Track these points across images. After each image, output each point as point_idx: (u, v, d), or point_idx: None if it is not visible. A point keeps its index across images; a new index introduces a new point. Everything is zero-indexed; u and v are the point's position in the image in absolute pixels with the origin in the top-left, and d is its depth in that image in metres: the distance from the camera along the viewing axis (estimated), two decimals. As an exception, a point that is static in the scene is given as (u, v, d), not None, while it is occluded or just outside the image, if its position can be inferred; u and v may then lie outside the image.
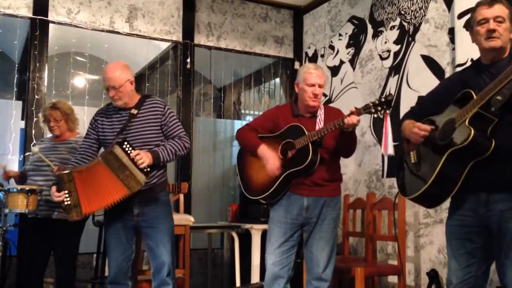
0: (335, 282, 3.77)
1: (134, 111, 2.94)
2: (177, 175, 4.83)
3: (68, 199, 2.77)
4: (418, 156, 2.29)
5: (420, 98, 3.68)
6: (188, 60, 4.93)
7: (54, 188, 2.81)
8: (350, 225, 4.05)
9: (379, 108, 2.62)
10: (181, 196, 4.45)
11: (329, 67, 5.02)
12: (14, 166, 4.54)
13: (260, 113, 5.93)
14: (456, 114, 2.14)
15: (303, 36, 5.47)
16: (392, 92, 4.17)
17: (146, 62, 5.37)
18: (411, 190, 2.28)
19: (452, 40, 3.66)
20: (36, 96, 4.30)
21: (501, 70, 2.03)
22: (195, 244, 4.99)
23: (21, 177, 3.60)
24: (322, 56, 5.16)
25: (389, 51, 4.28)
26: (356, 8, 4.73)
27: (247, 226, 4.27)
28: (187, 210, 4.63)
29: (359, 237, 4.16)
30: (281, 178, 2.85)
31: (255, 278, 4.11)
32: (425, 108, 2.42)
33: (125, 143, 2.81)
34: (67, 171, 2.80)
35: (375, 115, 2.68)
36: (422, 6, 3.99)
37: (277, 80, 5.74)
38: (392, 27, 4.27)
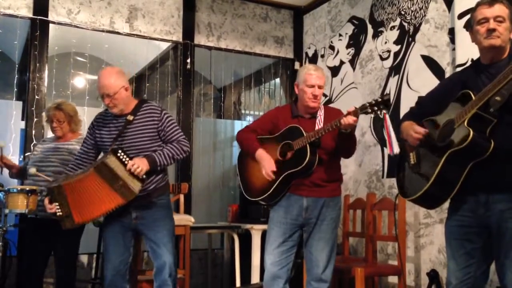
0: (335, 282, 3.77)
1: (130, 117, 2.91)
2: (177, 175, 4.83)
3: (59, 210, 2.81)
4: (417, 157, 2.29)
5: (420, 98, 3.68)
6: (188, 60, 4.93)
7: (46, 200, 2.86)
8: (350, 225, 4.05)
9: (376, 108, 2.61)
10: (181, 197, 4.45)
11: (329, 68, 5.02)
12: (14, 167, 4.55)
13: (260, 113, 5.96)
14: (456, 113, 2.14)
15: (303, 36, 5.47)
16: (392, 92, 4.17)
17: (146, 62, 5.37)
18: (411, 191, 2.28)
19: (452, 40, 3.66)
20: (36, 97, 4.30)
21: (500, 70, 2.03)
22: (195, 244, 4.99)
23: (18, 172, 3.59)
24: (322, 56, 5.16)
25: (389, 51, 4.28)
26: (356, 8, 4.73)
27: (247, 226, 4.27)
28: (187, 211, 4.63)
29: (359, 237, 4.15)
30: (279, 180, 2.86)
31: (255, 278, 4.11)
32: (425, 108, 2.42)
33: (120, 151, 2.79)
34: (56, 184, 2.83)
35: (372, 115, 2.68)
36: (422, 6, 3.99)
37: (277, 80, 5.74)
38: (392, 27, 4.27)
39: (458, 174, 2.10)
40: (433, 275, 3.47)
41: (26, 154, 4.19)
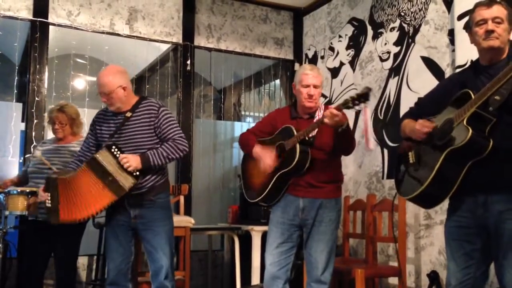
0: (335, 284, 3.77)
1: (129, 114, 2.92)
2: (178, 176, 4.84)
3: (49, 202, 2.84)
4: (416, 156, 2.28)
5: (419, 99, 3.68)
6: (188, 62, 4.94)
7: (42, 187, 2.92)
8: (350, 226, 4.05)
9: (357, 102, 2.59)
10: (181, 198, 4.45)
11: (329, 69, 5.02)
12: (14, 168, 4.55)
13: (261, 114, 5.98)
14: (453, 114, 2.14)
15: (303, 37, 5.47)
16: (392, 93, 4.17)
17: (146, 64, 5.37)
18: (409, 190, 2.28)
19: (452, 41, 3.66)
20: (36, 98, 4.30)
21: (499, 71, 2.03)
22: (195, 245, 4.99)
23: (19, 182, 3.60)
24: (322, 57, 5.16)
25: (389, 52, 4.28)
26: (356, 9, 4.74)
27: (248, 227, 4.27)
28: (187, 212, 4.63)
29: (360, 238, 4.15)
30: (273, 180, 2.86)
31: (255, 279, 4.11)
32: (424, 108, 2.42)
33: (113, 146, 2.81)
34: (53, 176, 2.85)
35: (356, 108, 2.66)
36: (422, 8, 3.99)
37: (277, 81, 5.74)
38: (392, 29, 4.27)
39: (457, 173, 2.10)
40: (433, 276, 3.47)
41: (26, 156, 4.19)
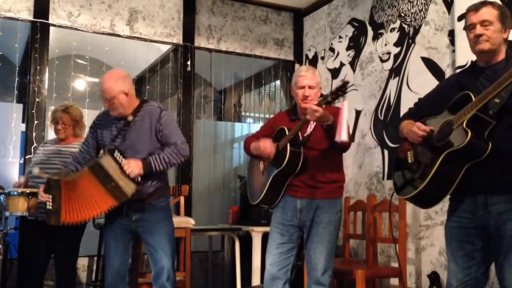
0: (336, 285, 3.77)
1: (130, 118, 2.92)
2: (178, 177, 4.84)
3: (50, 203, 2.80)
4: (415, 156, 2.29)
5: (419, 100, 3.68)
6: (189, 63, 4.94)
7: (42, 188, 2.86)
8: (350, 227, 4.05)
9: (334, 96, 2.57)
10: (182, 199, 4.45)
11: (329, 70, 5.02)
12: (14, 169, 4.55)
13: (261, 115, 5.99)
14: (451, 118, 2.14)
15: (303, 38, 5.48)
16: (393, 94, 4.17)
17: (146, 65, 5.38)
18: (407, 189, 2.28)
19: (452, 42, 3.66)
20: (37, 99, 4.31)
21: (498, 72, 2.04)
22: (195, 246, 4.99)
23: (26, 184, 3.59)
24: (323, 58, 5.16)
25: (389, 53, 4.28)
26: (356, 10, 4.74)
27: (248, 228, 4.27)
28: (188, 213, 4.63)
29: (360, 239, 4.15)
30: (269, 182, 2.87)
31: (255, 280, 4.11)
32: (423, 109, 2.43)
33: (116, 151, 2.79)
34: (56, 177, 2.83)
35: (335, 102, 2.64)
36: (422, 8, 3.99)
37: (278, 82, 5.74)
38: (392, 29, 4.28)
39: (455, 175, 2.10)
40: (433, 277, 3.47)
41: (27, 157, 4.19)
